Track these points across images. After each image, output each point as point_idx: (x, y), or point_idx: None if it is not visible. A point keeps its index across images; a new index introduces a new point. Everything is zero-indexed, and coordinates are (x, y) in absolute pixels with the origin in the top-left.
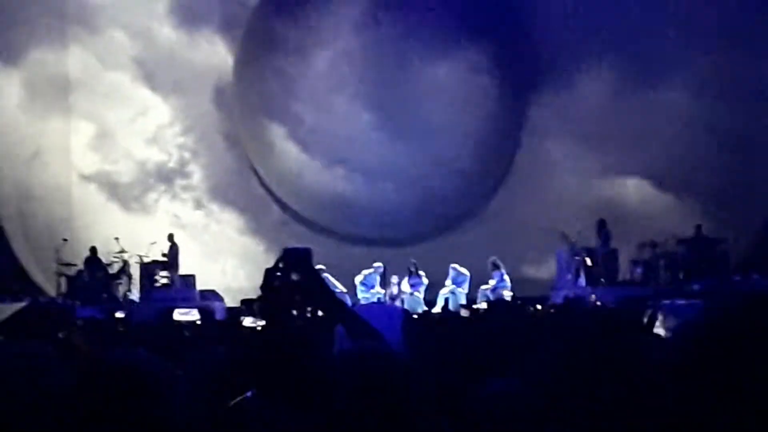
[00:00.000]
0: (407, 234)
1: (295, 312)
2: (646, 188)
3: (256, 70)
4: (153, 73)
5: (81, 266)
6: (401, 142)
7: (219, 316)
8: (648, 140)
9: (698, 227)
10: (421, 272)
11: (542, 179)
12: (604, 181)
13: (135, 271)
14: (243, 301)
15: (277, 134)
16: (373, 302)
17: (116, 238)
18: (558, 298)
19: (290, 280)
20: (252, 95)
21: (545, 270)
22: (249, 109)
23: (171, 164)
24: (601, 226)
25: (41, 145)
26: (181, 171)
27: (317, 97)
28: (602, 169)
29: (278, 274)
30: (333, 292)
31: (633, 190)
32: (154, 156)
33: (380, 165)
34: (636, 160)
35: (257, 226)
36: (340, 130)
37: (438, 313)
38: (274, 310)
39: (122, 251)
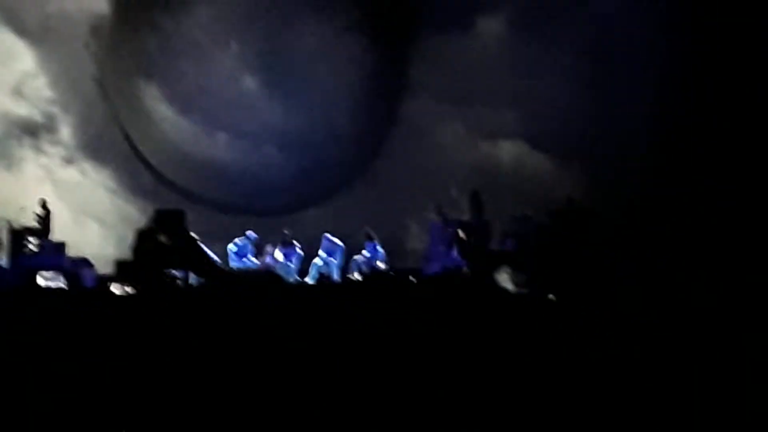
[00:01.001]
0: (283, 202)
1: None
2: (524, 150)
3: (131, 22)
4: (19, 16)
5: None
6: (281, 105)
7: (89, 283)
8: (529, 100)
9: (569, 199)
10: (294, 242)
11: (420, 142)
12: (484, 143)
13: (4, 237)
14: (117, 262)
15: (152, 95)
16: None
17: None
18: (430, 270)
19: (163, 243)
20: (126, 50)
21: (419, 241)
22: (122, 65)
23: (38, 118)
24: (475, 197)
25: None
26: (49, 126)
27: (196, 56)
28: (482, 130)
29: (150, 236)
30: (207, 255)
31: (511, 152)
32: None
33: (261, 129)
34: (517, 121)
35: (131, 188)
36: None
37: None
38: (146, 274)
39: None
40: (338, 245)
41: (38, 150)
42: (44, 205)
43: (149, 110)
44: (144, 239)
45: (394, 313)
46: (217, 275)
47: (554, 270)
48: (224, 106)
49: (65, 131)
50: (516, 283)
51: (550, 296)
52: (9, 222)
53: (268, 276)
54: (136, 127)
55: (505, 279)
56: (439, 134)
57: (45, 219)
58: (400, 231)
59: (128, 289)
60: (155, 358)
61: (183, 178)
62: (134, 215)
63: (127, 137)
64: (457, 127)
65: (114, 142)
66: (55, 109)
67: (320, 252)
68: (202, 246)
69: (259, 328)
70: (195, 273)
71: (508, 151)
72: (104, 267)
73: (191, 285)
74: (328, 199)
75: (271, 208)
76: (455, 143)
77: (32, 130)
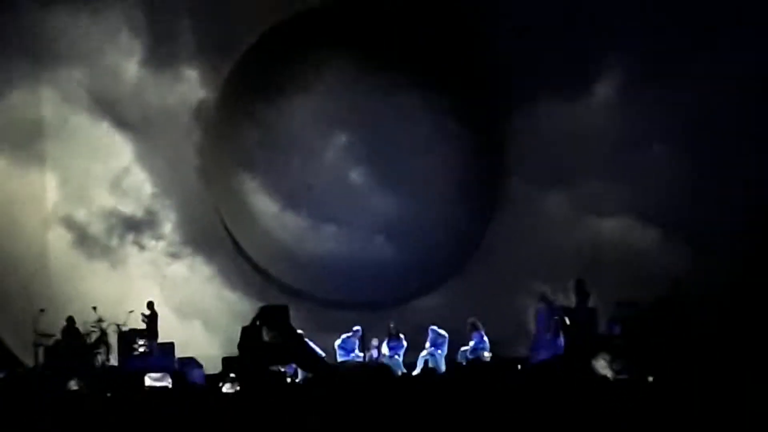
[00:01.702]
0: (391, 294)
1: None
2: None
3: (232, 113)
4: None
5: (58, 336)
6: (386, 196)
7: (197, 381)
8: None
9: (676, 282)
10: (400, 335)
11: (522, 228)
12: (589, 219)
13: (113, 340)
14: (224, 360)
15: (253, 189)
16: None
17: (94, 307)
18: (537, 358)
19: (268, 338)
20: (227, 141)
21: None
22: (224, 157)
23: (140, 213)
24: (580, 284)
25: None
26: (151, 221)
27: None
28: (588, 206)
29: (256, 332)
30: (312, 349)
31: (617, 227)
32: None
33: (367, 221)
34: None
35: (237, 284)
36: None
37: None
38: (252, 370)
39: (100, 320)
40: (444, 336)
41: (141, 246)
42: (151, 307)
43: (251, 205)
44: (249, 335)
45: (496, 401)
46: (323, 369)
47: (655, 354)
48: (329, 199)
49: (168, 226)
50: (615, 369)
51: (650, 379)
52: (117, 325)
53: (374, 369)
54: (238, 222)
55: (603, 366)
56: (544, 212)
57: (152, 320)
58: (513, 312)
59: (237, 387)
60: None
61: (288, 274)
62: (241, 311)
63: (228, 232)
64: (561, 203)
65: (218, 237)
66: (157, 204)
67: (427, 344)
68: (308, 341)
69: (365, 421)
70: (301, 367)
71: (614, 226)
72: (212, 366)
73: (297, 380)
74: (435, 290)
75: (379, 302)
76: (560, 221)
77: (135, 226)
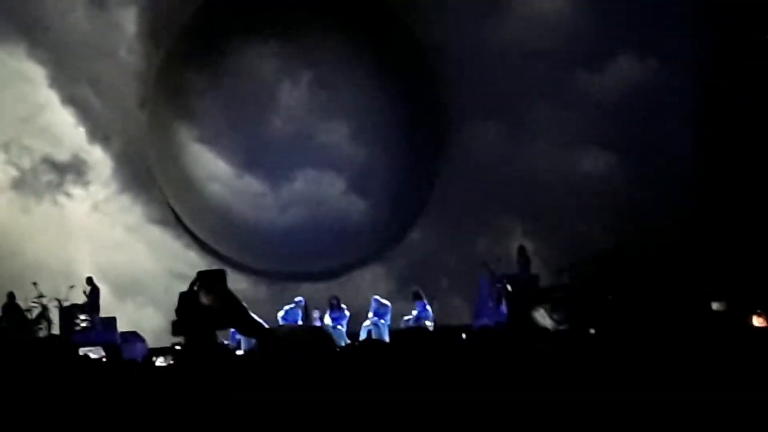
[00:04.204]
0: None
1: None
2: None
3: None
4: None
5: None
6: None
7: (139, 355)
8: None
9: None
10: (342, 305)
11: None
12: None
13: (54, 316)
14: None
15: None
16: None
17: (34, 283)
18: (479, 325)
19: (205, 303)
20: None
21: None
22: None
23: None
24: (521, 250)
25: None
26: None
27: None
28: None
29: (193, 297)
30: (249, 314)
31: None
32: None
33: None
34: None
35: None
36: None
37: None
38: (191, 334)
39: (41, 296)
40: (387, 306)
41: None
42: (91, 282)
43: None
44: (187, 301)
45: (439, 368)
46: (264, 333)
47: (599, 306)
48: (270, 167)
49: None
50: (555, 320)
51: (591, 330)
52: (58, 300)
53: (312, 331)
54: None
55: (542, 315)
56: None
57: (94, 295)
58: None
59: (171, 361)
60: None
61: (225, 243)
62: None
63: (172, 210)
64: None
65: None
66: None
67: (370, 314)
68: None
69: (307, 388)
70: (241, 332)
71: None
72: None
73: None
74: (374, 262)
75: (318, 274)
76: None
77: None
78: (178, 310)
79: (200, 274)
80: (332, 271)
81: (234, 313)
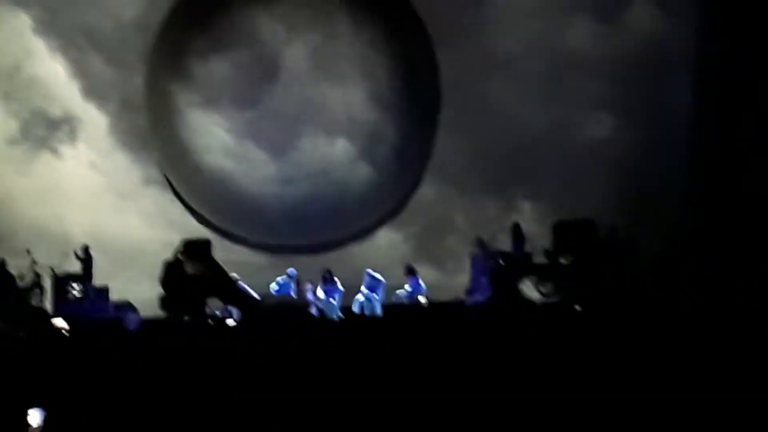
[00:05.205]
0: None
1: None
2: None
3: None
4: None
5: None
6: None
7: (133, 326)
8: None
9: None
10: (335, 278)
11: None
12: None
13: (48, 284)
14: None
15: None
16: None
17: (27, 250)
18: (472, 301)
19: (190, 272)
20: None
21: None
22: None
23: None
24: (516, 228)
25: None
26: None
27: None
28: None
29: (178, 266)
30: (234, 282)
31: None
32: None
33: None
34: None
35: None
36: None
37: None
38: (174, 305)
39: (34, 263)
40: (380, 280)
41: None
42: (86, 250)
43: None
44: (172, 270)
45: (432, 343)
46: (249, 303)
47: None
48: (266, 142)
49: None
50: (542, 293)
51: (576, 307)
52: (52, 268)
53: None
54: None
55: (529, 288)
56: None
57: (87, 263)
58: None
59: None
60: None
61: (223, 216)
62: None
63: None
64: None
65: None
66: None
67: (362, 288)
68: (245, 287)
69: (291, 361)
70: (225, 302)
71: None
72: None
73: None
74: (368, 235)
75: (311, 246)
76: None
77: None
78: (162, 279)
79: (185, 242)
80: (332, 242)
81: (219, 282)
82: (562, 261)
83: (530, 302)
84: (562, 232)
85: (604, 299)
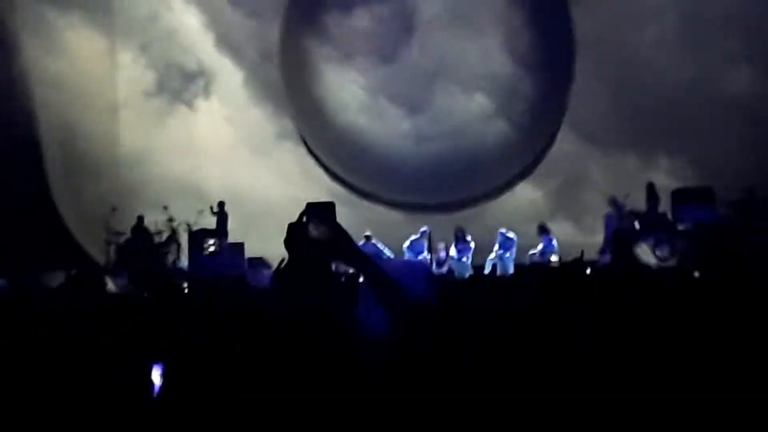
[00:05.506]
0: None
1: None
2: None
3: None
4: None
5: (129, 234)
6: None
7: (264, 282)
8: None
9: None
10: (468, 237)
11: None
12: None
13: (183, 240)
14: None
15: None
16: (398, 258)
17: (165, 207)
18: (603, 263)
19: (314, 236)
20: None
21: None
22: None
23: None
24: (650, 188)
25: None
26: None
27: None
28: None
29: (302, 228)
30: (357, 247)
31: None
32: None
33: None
34: None
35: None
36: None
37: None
38: (297, 270)
39: (170, 219)
40: (512, 239)
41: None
42: (222, 206)
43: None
44: (296, 232)
45: (561, 302)
46: (370, 267)
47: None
48: (402, 98)
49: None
50: (659, 257)
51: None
52: (188, 224)
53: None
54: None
55: (645, 251)
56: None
57: (222, 220)
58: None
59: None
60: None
61: (356, 174)
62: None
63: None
64: None
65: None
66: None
67: (495, 247)
68: (378, 245)
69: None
70: (348, 264)
71: None
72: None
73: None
74: (503, 193)
75: (445, 204)
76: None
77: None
78: (286, 241)
79: (309, 205)
80: (466, 200)
81: (343, 246)
82: (680, 227)
83: (646, 266)
84: (682, 198)
85: (729, 266)
